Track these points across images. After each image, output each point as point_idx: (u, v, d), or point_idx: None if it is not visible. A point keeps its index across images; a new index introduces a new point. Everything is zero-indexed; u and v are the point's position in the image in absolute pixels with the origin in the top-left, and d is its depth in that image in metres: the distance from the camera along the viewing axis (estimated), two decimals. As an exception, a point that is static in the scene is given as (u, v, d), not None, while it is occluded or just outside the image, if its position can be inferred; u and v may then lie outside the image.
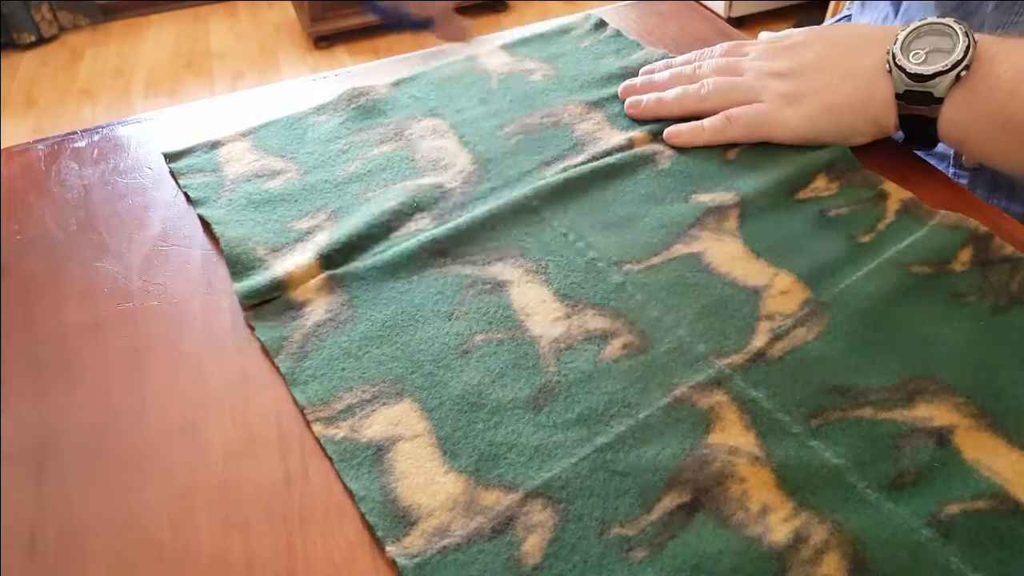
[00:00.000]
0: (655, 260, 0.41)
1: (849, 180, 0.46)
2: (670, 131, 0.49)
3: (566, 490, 0.31)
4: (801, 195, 0.45)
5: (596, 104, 0.53)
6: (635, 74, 0.56)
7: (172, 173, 0.50)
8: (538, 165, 0.48)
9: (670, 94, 0.50)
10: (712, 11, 0.66)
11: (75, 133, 0.54)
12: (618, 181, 0.47)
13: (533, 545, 0.30)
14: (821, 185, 0.45)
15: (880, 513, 0.30)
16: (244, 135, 0.52)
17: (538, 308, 0.39)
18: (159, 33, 2.61)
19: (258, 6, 2.76)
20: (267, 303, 0.40)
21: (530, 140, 0.50)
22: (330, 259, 0.42)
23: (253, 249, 0.43)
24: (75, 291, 0.42)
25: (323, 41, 2.45)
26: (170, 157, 0.50)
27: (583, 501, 0.31)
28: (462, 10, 2.90)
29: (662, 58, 0.58)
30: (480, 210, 0.44)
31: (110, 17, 2.68)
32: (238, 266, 0.42)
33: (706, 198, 0.45)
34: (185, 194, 0.48)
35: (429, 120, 0.53)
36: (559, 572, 0.29)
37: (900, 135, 0.47)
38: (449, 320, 0.39)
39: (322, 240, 0.43)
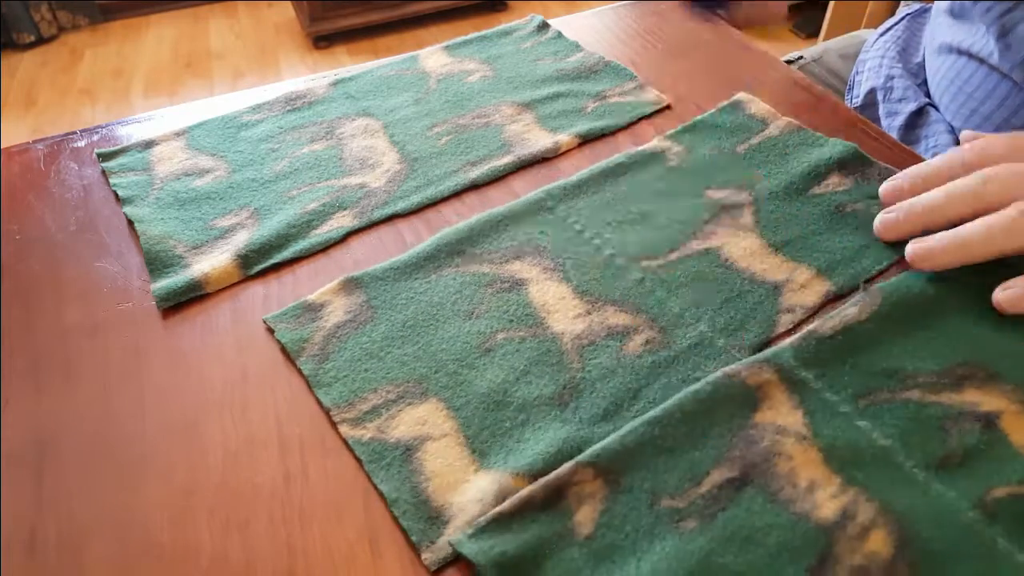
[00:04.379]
0: (672, 256, 0.42)
1: (864, 175, 0.46)
2: (918, 250, 0.38)
3: (616, 462, 0.32)
4: (815, 190, 0.45)
5: (528, 105, 0.54)
6: (571, 77, 0.57)
7: (104, 173, 0.50)
8: (463, 165, 0.49)
9: (931, 195, 0.39)
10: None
11: (75, 133, 0.54)
12: (630, 178, 0.47)
13: (585, 515, 0.30)
14: (835, 180, 0.46)
15: (927, 493, 0.30)
16: (178, 134, 0.53)
17: (558, 305, 0.39)
18: (159, 33, 2.61)
19: (258, 6, 2.75)
20: (290, 313, 0.40)
21: (459, 140, 0.51)
22: (248, 259, 0.43)
23: (173, 247, 0.43)
24: (75, 291, 0.42)
25: (322, 41, 2.45)
26: (103, 156, 0.51)
27: (633, 473, 0.32)
28: (461, 10, 2.87)
29: (599, 61, 0.58)
30: (495, 209, 0.45)
31: (110, 17, 2.67)
32: (156, 264, 0.42)
33: (719, 194, 0.45)
34: (114, 193, 0.48)
35: (362, 120, 0.53)
36: (611, 541, 0.29)
37: None
38: (470, 319, 0.39)
39: (241, 239, 0.44)
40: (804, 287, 0.39)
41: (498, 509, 0.30)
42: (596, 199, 0.46)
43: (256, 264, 0.43)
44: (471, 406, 0.35)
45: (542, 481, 0.31)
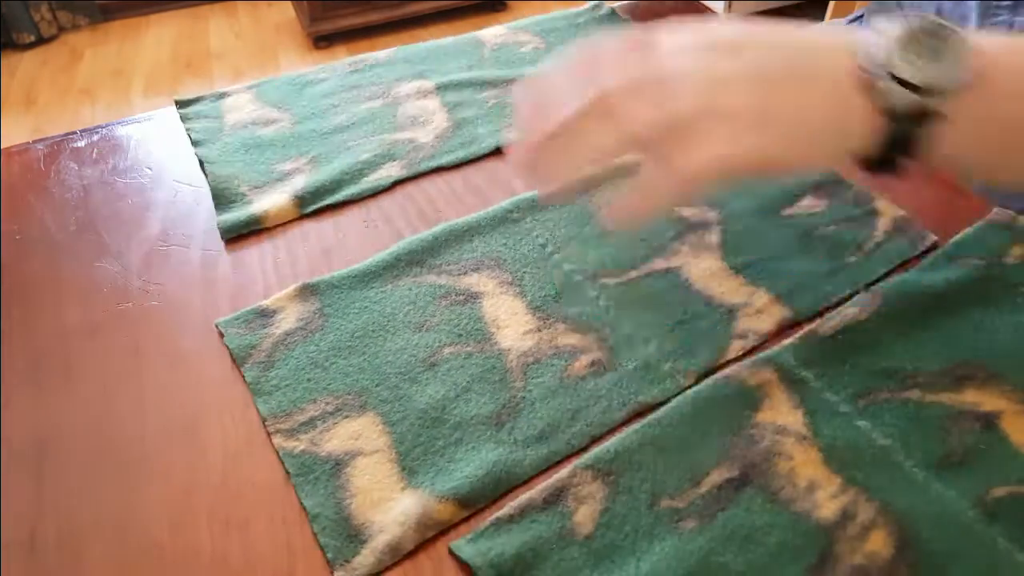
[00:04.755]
0: (632, 274, 0.41)
1: (839, 198, 0.45)
2: (610, 212, 0.34)
3: (615, 463, 0.32)
4: (787, 211, 0.44)
5: None
6: None
7: (181, 118, 0.54)
8: (504, 127, 0.52)
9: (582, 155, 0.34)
10: (712, 11, 0.66)
11: (74, 133, 0.54)
12: (600, 193, 0.46)
13: (585, 515, 0.30)
14: (809, 202, 0.45)
15: (927, 493, 0.30)
16: (248, 88, 0.57)
17: (509, 321, 0.39)
18: (159, 33, 2.61)
19: (257, 6, 2.76)
20: (243, 319, 0.39)
21: (503, 104, 0.54)
22: (304, 200, 0.46)
23: (237, 186, 0.47)
24: (75, 291, 0.42)
25: (322, 41, 2.45)
26: (180, 104, 0.55)
27: (632, 474, 0.32)
28: (461, 10, 2.86)
29: None
30: (460, 219, 0.44)
31: (109, 17, 2.68)
32: (221, 199, 0.46)
33: (688, 212, 0.45)
34: (189, 136, 0.52)
35: (417, 82, 0.57)
36: (611, 541, 0.30)
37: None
38: (419, 331, 0.38)
39: (300, 182, 0.47)
40: (760, 312, 0.38)
41: (497, 514, 0.30)
42: (563, 212, 0.45)
43: (311, 204, 0.46)
44: (407, 421, 0.34)
45: (541, 485, 0.31)
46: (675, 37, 0.36)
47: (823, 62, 0.35)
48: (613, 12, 0.65)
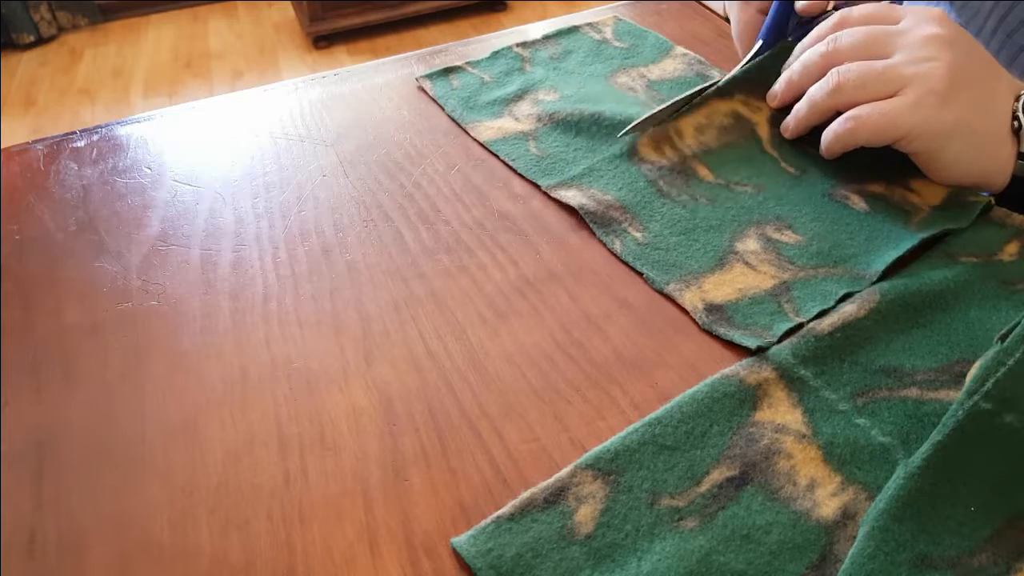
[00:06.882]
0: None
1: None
2: (783, 126, 0.46)
3: (615, 463, 0.32)
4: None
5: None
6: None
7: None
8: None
9: (802, 104, 0.45)
10: (711, 11, 0.66)
11: (74, 133, 0.54)
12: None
13: (585, 515, 0.30)
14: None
15: None
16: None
17: None
18: (158, 33, 2.61)
19: (257, 6, 2.76)
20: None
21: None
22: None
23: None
24: (75, 291, 0.42)
25: (322, 41, 2.45)
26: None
27: (632, 473, 0.32)
28: (461, 9, 2.85)
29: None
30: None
31: (109, 17, 2.68)
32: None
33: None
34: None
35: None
36: (611, 540, 0.30)
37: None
38: None
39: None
40: None
41: (498, 512, 0.30)
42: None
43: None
44: None
45: (542, 484, 0.31)
46: (914, 11, 0.43)
47: (1001, 90, 0.41)
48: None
